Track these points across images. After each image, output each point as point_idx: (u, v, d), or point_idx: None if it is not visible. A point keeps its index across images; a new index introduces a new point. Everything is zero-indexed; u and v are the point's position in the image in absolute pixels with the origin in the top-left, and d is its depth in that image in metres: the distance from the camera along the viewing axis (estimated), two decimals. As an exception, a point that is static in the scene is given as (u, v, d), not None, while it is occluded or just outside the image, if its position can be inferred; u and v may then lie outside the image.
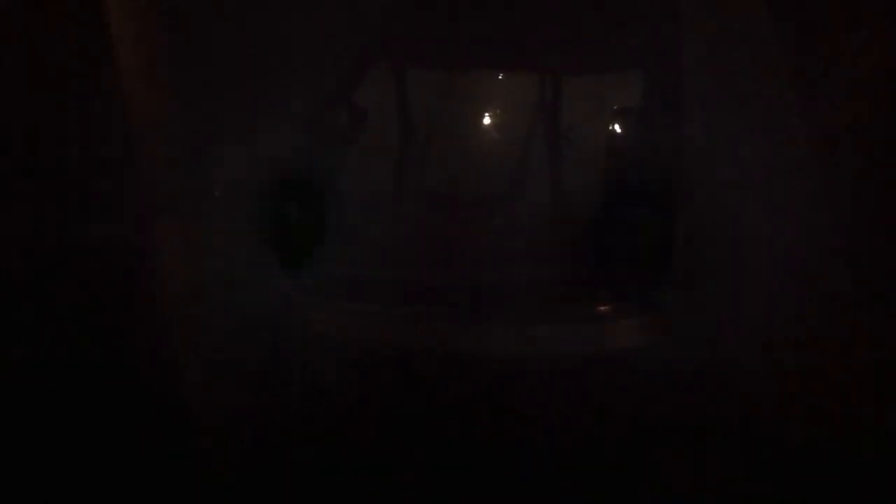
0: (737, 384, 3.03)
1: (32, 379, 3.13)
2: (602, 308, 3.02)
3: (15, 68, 3.64)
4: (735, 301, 3.30)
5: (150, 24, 3.21)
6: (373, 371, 3.07)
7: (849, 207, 3.58)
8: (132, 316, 3.27)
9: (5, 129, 3.60)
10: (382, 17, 3.97)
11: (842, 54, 4.19)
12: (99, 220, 3.53)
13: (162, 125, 3.33)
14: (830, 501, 2.72)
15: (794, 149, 3.93)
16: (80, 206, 3.53)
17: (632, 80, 3.56)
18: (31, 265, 3.41)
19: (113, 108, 3.16)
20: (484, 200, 3.13)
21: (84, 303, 3.35)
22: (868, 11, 4.14)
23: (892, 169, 3.69)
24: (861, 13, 4.12)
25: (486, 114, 3.54)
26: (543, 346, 3.01)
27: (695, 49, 4.02)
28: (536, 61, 3.63)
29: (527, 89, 3.58)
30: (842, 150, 3.84)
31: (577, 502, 2.78)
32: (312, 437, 2.97)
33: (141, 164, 3.28)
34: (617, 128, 3.38)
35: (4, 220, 3.51)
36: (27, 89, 3.57)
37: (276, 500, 2.82)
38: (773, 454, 2.80)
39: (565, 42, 3.66)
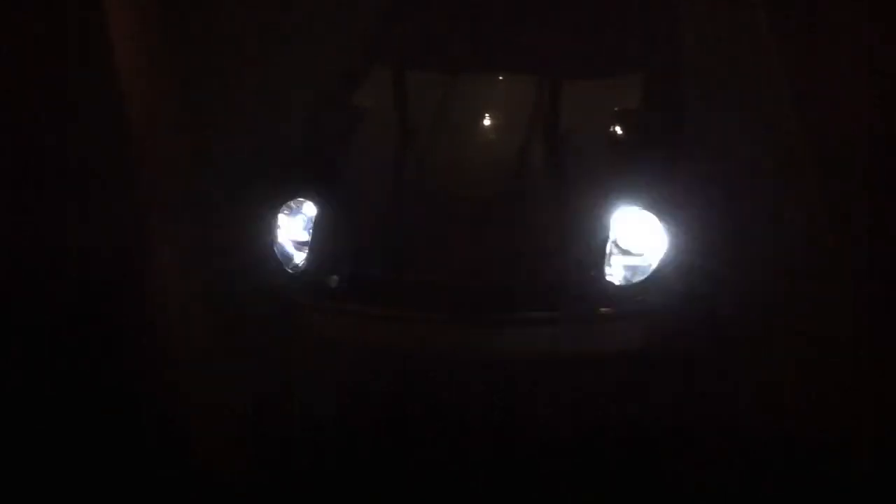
0: (736, 384, 3.04)
1: (32, 378, 3.13)
2: (601, 308, 3.01)
3: (15, 68, 3.66)
4: (734, 302, 3.31)
5: (149, 24, 3.21)
6: (372, 371, 3.07)
7: (848, 207, 3.59)
8: (131, 315, 3.27)
9: (5, 130, 3.62)
10: (383, 18, 3.97)
11: (841, 56, 4.22)
12: (98, 221, 3.54)
13: (162, 125, 3.33)
14: (830, 501, 2.72)
15: (793, 149, 3.95)
16: (80, 206, 3.54)
17: (631, 84, 3.57)
18: (30, 265, 3.42)
19: (113, 108, 3.16)
20: (483, 201, 3.13)
21: (83, 302, 3.35)
22: (867, 13, 4.18)
23: (892, 169, 3.71)
24: (860, 15, 4.16)
25: (486, 116, 3.54)
26: (543, 347, 3.01)
27: (694, 52, 4.04)
28: (536, 64, 3.63)
29: (526, 92, 3.58)
30: (840, 150, 3.86)
31: (578, 502, 2.78)
32: (312, 435, 2.97)
33: (141, 164, 3.27)
34: (617, 130, 3.38)
35: (4, 220, 3.53)
36: (27, 90, 3.60)
37: (276, 500, 2.82)
38: (772, 454, 2.80)
39: (566, 44, 3.67)
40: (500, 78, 3.59)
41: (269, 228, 3.15)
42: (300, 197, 3.18)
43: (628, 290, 2.99)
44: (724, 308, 3.24)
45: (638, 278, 3.01)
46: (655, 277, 3.01)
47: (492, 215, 3.08)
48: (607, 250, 3.01)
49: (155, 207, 3.14)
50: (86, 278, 3.41)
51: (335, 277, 3.05)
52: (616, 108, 3.41)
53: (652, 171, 3.16)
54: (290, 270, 3.10)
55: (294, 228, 3.16)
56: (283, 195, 3.19)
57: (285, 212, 3.16)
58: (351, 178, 3.24)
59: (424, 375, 3.02)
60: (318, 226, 3.13)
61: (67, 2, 3.71)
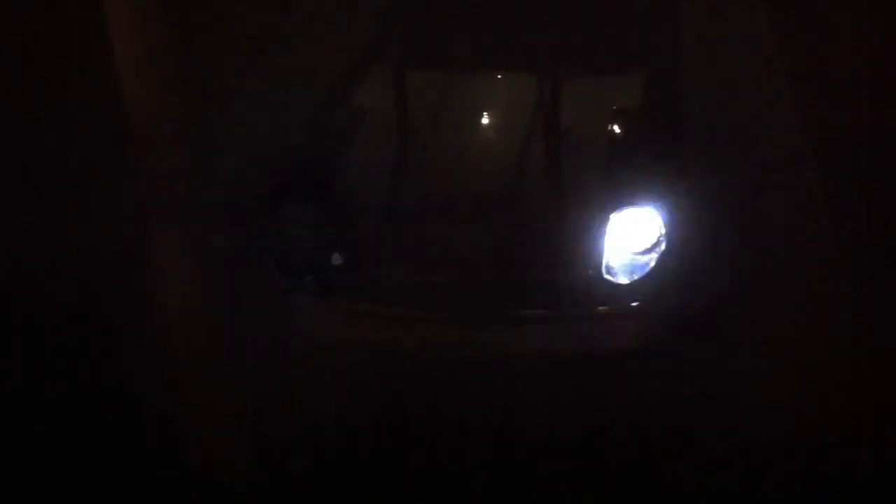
0: (736, 383, 3.04)
1: (31, 379, 3.13)
2: (602, 308, 3.01)
3: (15, 68, 3.66)
4: (735, 301, 3.30)
5: (149, 24, 3.22)
6: (372, 371, 3.07)
7: (849, 206, 3.59)
8: (132, 316, 3.27)
9: (5, 130, 3.63)
10: (382, 18, 3.98)
11: (841, 55, 4.22)
12: (98, 221, 3.54)
13: (161, 126, 3.33)
14: (830, 501, 2.71)
15: (793, 148, 3.94)
16: (80, 208, 3.54)
17: (630, 82, 3.57)
18: (30, 265, 3.42)
19: (113, 109, 3.17)
20: (482, 200, 3.13)
21: (83, 303, 3.35)
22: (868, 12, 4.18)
23: (891, 169, 3.71)
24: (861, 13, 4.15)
25: (485, 114, 3.54)
26: (543, 347, 3.01)
27: (694, 50, 4.04)
28: (536, 63, 3.63)
29: (526, 91, 3.58)
30: (840, 150, 3.86)
31: (578, 502, 2.77)
32: (312, 435, 2.97)
33: (141, 166, 3.28)
34: (616, 129, 3.38)
35: (4, 221, 3.53)
36: (27, 89, 3.60)
37: (276, 500, 2.82)
38: (771, 454, 2.80)
39: (565, 43, 3.67)
40: (500, 77, 3.60)
41: (270, 228, 3.16)
42: (300, 196, 3.18)
43: (627, 288, 2.99)
44: (723, 306, 3.24)
45: (637, 277, 3.01)
46: (654, 276, 3.02)
47: (491, 214, 3.09)
48: (606, 249, 3.01)
49: (154, 207, 3.14)
50: (86, 278, 3.41)
51: (332, 276, 3.06)
52: (615, 107, 3.41)
53: (651, 169, 3.16)
54: (287, 270, 3.10)
55: (294, 228, 3.16)
56: (282, 194, 3.19)
57: (285, 211, 3.16)
58: (350, 178, 3.24)
59: (424, 375, 3.03)
60: (318, 225, 3.13)
61: (67, 2, 3.71)
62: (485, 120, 3.49)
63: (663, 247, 3.03)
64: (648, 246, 3.04)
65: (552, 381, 3.02)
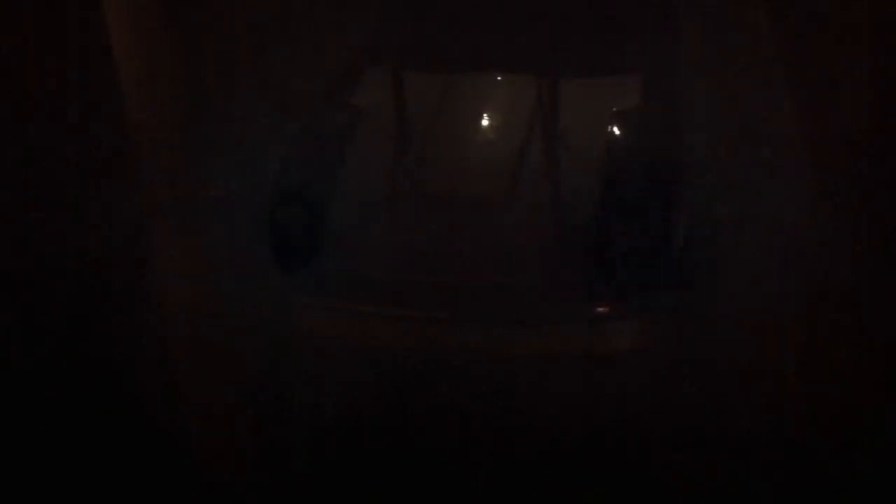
0: (736, 384, 3.04)
1: (31, 379, 3.13)
2: (601, 308, 3.02)
3: (15, 70, 3.66)
4: (734, 301, 3.31)
5: (148, 27, 3.22)
6: (371, 371, 3.07)
7: (848, 208, 3.59)
8: (130, 317, 3.27)
9: (5, 131, 3.63)
10: (381, 18, 3.99)
11: (840, 58, 4.22)
12: (97, 223, 3.54)
13: (160, 128, 3.33)
14: (830, 501, 2.71)
15: (792, 150, 3.94)
16: (80, 209, 3.55)
17: (630, 83, 3.57)
18: (30, 267, 3.42)
19: (112, 112, 3.17)
20: (482, 201, 3.13)
21: (82, 304, 3.36)
22: (866, 16, 4.18)
23: (891, 170, 3.71)
24: (859, 17, 4.15)
25: (484, 115, 3.55)
26: (543, 346, 3.01)
27: (692, 52, 4.04)
28: (534, 64, 3.64)
29: (525, 92, 3.59)
30: (839, 151, 3.86)
31: (578, 502, 2.77)
32: (310, 436, 2.96)
33: (139, 167, 3.28)
34: (615, 130, 3.39)
35: (4, 222, 3.53)
36: (27, 92, 3.60)
37: (276, 500, 2.82)
38: (773, 455, 2.80)
39: (563, 45, 3.68)
40: (499, 78, 3.61)
41: (266, 227, 3.16)
42: (297, 196, 3.18)
43: (625, 288, 3.00)
44: (724, 307, 3.24)
45: (635, 277, 3.01)
46: (653, 276, 3.02)
47: (490, 215, 3.09)
48: (604, 249, 3.01)
49: (153, 207, 3.15)
50: (85, 278, 3.41)
51: (331, 276, 3.06)
52: (615, 108, 3.42)
53: (650, 169, 3.16)
54: (285, 270, 3.11)
55: (291, 227, 3.16)
56: (279, 194, 3.19)
57: (282, 211, 3.17)
58: (348, 177, 3.25)
59: (423, 376, 3.03)
60: (314, 225, 3.13)
61: (67, 2, 3.71)
62: (483, 121, 3.50)
63: (662, 247, 3.04)
64: (647, 246, 3.04)
65: (550, 382, 3.02)
